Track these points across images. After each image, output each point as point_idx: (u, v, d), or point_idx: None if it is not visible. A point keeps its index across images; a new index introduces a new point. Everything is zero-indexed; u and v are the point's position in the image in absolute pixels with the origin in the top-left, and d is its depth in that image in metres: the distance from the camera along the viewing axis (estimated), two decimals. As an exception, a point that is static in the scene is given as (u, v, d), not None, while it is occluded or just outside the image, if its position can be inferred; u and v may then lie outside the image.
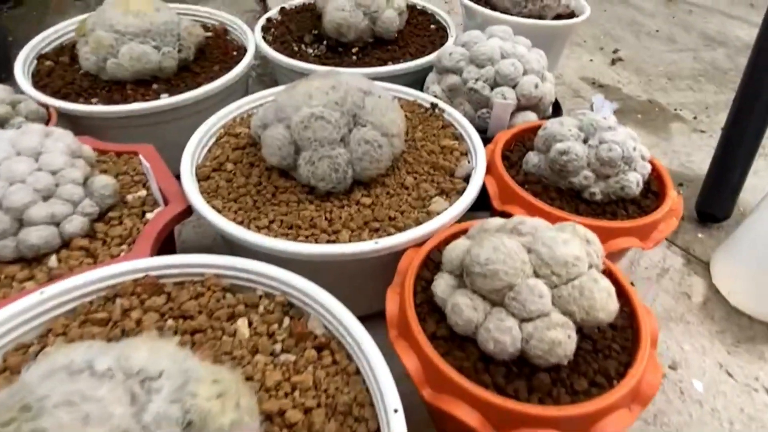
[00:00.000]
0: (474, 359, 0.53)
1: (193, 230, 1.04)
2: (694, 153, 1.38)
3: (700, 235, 1.09)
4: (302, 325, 0.57)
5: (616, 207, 0.76)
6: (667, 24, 2.08)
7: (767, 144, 1.24)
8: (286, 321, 0.59)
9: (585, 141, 0.76)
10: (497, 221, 0.59)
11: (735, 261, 0.95)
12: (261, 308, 0.60)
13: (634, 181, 0.73)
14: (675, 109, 1.55)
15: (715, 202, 1.10)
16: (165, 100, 0.98)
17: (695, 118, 1.52)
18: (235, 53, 1.19)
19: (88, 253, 0.66)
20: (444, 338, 0.55)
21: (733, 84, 1.70)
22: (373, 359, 0.51)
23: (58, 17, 1.73)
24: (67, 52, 1.15)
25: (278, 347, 0.56)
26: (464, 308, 0.52)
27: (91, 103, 1.02)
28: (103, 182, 0.69)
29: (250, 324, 0.58)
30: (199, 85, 1.06)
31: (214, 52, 1.19)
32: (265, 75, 1.53)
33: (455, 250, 0.57)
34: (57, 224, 0.65)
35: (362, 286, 0.77)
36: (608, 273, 0.62)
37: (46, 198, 0.64)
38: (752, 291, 0.91)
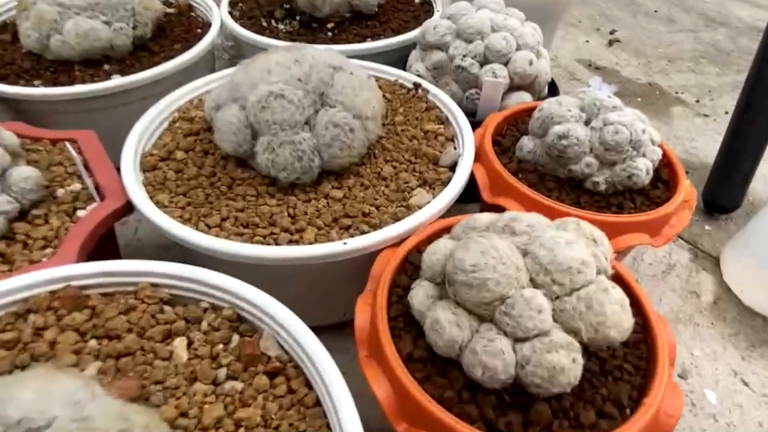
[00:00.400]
0: (458, 387, 0.43)
1: (152, 228, 0.94)
2: (698, 138, 1.29)
3: (707, 228, 1.01)
4: (253, 345, 0.48)
5: (622, 198, 0.66)
6: (665, 4, 1.98)
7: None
8: (235, 339, 0.49)
9: (587, 123, 0.66)
10: (486, 217, 0.50)
11: (747, 256, 0.87)
12: (205, 324, 0.50)
13: (644, 168, 0.64)
14: (676, 93, 1.47)
15: (724, 191, 1.01)
16: (112, 82, 0.87)
17: (698, 101, 1.43)
18: (199, 30, 1.08)
19: (3, 258, 0.56)
20: (422, 360, 0.46)
21: (736, 66, 1.62)
22: (335, 389, 0.42)
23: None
24: (9, 29, 1.03)
25: (222, 373, 0.46)
26: (446, 325, 0.42)
27: (33, 86, 0.91)
28: (24, 174, 0.59)
29: (190, 344, 0.48)
30: (156, 65, 0.95)
31: (176, 29, 1.08)
32: (239, 57, 1.41)
33: (436, 253, 0.47)
34: (-37, 225, 0.54)
35: (332, 291, 0.67)
36: (618, 278, 0.53)
37: (-52, 194, 0.53)
38: (767, 289, 0.83)
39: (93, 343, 0.47)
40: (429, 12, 1.12)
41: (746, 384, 0.75)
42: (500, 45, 0.81)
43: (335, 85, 0.65)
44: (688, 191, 0.68)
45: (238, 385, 0.45)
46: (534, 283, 0.43)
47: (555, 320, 0.42)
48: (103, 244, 0.63)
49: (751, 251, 0.85)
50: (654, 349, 0.47)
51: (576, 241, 0.43)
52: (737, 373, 0.76)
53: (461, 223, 0.51)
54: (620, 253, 0.69)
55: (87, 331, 0.48)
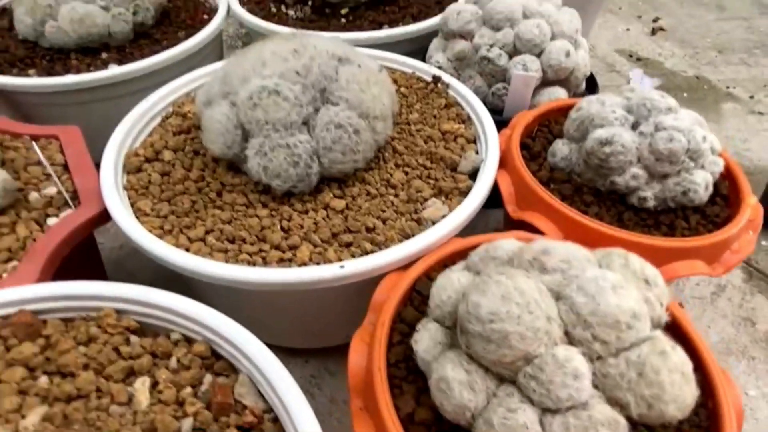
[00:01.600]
0: (469, 461, 0.35)
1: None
2: (752, 139, 1.16)
3: (764, 243, 0.89)
4: (226, 391, 0.40)
5: (674, 217, 0.56)
6: (716, -12, 1.82)
7: None
8: (207, 381, 0.42)
9: (634, 127, 0.56)
10: (510, 246, 0.41)
11: (814, 279, 0.75)
12: (173, 361, 0.43)
13: (702, 183, 0.54)
14: (727, 87, 1.33)
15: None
16: (106, 72, 0.80)
17: (752, 97, 1.30)
18: (206, 17, 1.01)
19: (-41, 272, 0.50)
20: (426, 424, 0.37)
21: (795, 58, 1.47)
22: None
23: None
24: (8, 15, 0.98)
25: (187, 425, 0.39)
26: (455, 387, 0.34)
27: (26, 75, 0.85)
28: (-12, 178, 0.52)
29: (154, 385, 0.41)
30: (157, 54, 0.89)
31: (181, 15, 1.01)
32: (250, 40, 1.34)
33: (447, 288, 0.39)
34: None
35: (331, 314, 0.59)
36: (673, 324, 0.43)
37: None
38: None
39: (43, 380, 0.41)
40: (454, -4, 1.01)
41: (811, 433, 0.64)
42: (532, 34, 0.71)
43: (339, 80, 0.56)
44: (753, 209, 0.57)
45: (206, 441, 0.38)
46: (569, 338, 0.34)
47: (595, 387, 0.33)
48: (79, 254, 0.57)
49: (819, 275, 0.74)
50: (719, 416, 0.38)
51: (624, 285, 0.34)
52: (800, 418, 0.66)
53: (479, 250, 0.43)
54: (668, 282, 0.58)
55: (37, 366, 0.41)
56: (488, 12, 0.74)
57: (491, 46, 0.74)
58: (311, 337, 0.65)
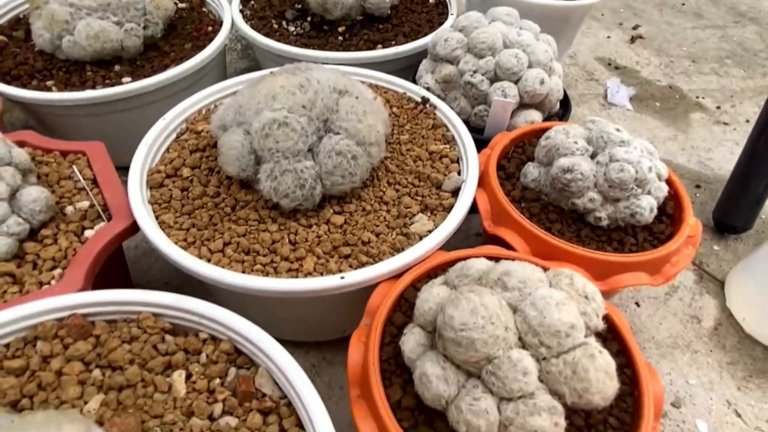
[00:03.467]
0: (444, 438, 0.45)
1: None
2: (715, 149, 1.26)
3: (716, 248, 0.99)
4: (248, 381, 0.49)
5: (623, 234, 0.66)
6: (695, -4, 1.90)
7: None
8: (232, 373, 0.51)
9: (593, 156, 0.65)
10: (480, 265, 0.50)
11: (754, 282, 0.86)
12: (203, 356, 0.52)
13: (647, 207, 0.63)
14: (697, 97, 1.42)
15: (736, 211, 0.99)
16: (123, 87, 0.87)
17: (718, 107, 1.39)
18: (210, 28, 1.07)
19: (14, 279, 0.58)
20: (411, 409, 0.47)
21: (762, 69, 1.56)
22: (324, 434, 0.44)
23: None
24: (23, 25, 1.04)
25: (218, 408, 0.48)
26: (433, 380, 0.43)
27: (45, 86, 0.92)
28: (33, 196, 0.60)
29: (188, 377, 0.50)
30: (166, 66, 0.96)
31: (187, 27, 1.08)
32: (251, 48, 1.40)
33: (429, 301, 0.48)
34: (-24, 247, 0.56)
35: (332, 314, 0.69)
36: (611, 327, 0.53)
37: (-40, 217, 0.55)
38: (770, 318, 0.82)
39: (97, 373, 0.50)
40: (443, 14, 1.09)
41: (739, 415, 0.75)
42: (511, 63, 0.79)
43: (340, 111, 0.65)
44: (692, 227, 0.67)
45: (233, 422, 0.47)
46: (522, 342, 0.43)
47: (540, 380, 0.43)
48: (110, 261, 0.65)
49: (757, 279, 0.85)
50: (640, 403, 0.48)
51: (567, 302, 0.43)
52: (731, 403, 0.77)
53: (456, 267, 0.52)
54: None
55: (91, 361, 0.50)
56: (472, 40, 0.82)
57: (474, 72, 0.82)
58: (312, 332, 0.74)
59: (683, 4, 1.85)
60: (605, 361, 0.42)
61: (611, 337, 0.54)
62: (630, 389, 0.50)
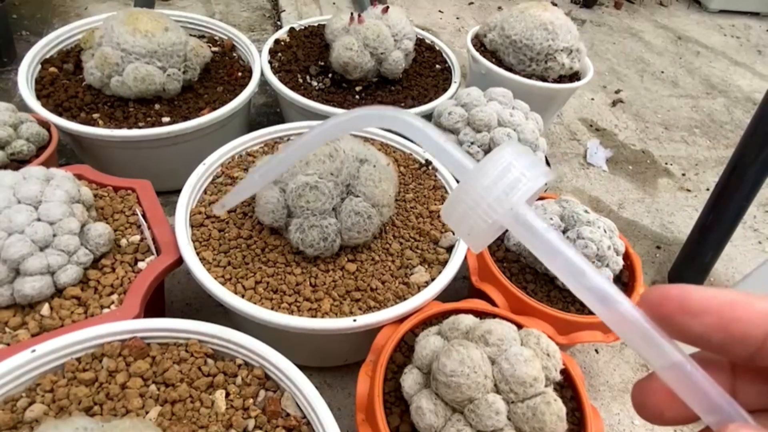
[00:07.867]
0: (431, 459, 0.57)
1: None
2: (676, 213, 1.41)
3: (668, 305, 1.14)
4: (276, 402, 0.61)
5: (585, 297, 0.80)
6: (673, 65, 2.09)
7: (747, 216, 1.28)
8: (262, 394, 0.63)
9: (564, 231, 0.79)
10: (468, 321, 0.63)
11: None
12: (239, 379, 0.64)
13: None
14: (666, 163, 1.58)
15: (689, 272, 1.14)
16: (166, 129, 0.99)
17: (683, 174, 1.55)
18: (240, 74, 1.20)
19: (79, 302, 0.69)
20: (406, 434, 0.60)
21: (725, 140, 1.73)
22: (338, 450, 0.56)
23: None
24: (72, 58, 1.15)
25: (251, 424, 0.60)
26: (426, 413, 0.56)
27: (92, 119, 1.03)
28: (99, 231, 0.72)
29: (227, 395, 0.62)
30: (200, 108, 1.08)
31: (220, 71, 1.20)
32: (268, 85, 1.53)
33: (426, 348, 0.61)
34: (52, 273, 0.67)
35: (340, 348, 0.81)
36: (567, 377, 0.66)
37: (42, 248, 0.67)
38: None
39: (153, 388, 0.61)
40: (447, 80, 1.24)
41: (673, 454, 0.89)
42: (502, 140, 0.94)
43: (360, 177, 0.78)
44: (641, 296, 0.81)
45: (263, 435, 0.59)
46: (497, 388, 0.56)
47: (509, 419, 0.55)
48: (154, 292, 0.76)
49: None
50: (585, 440, 0.61)
51: (533, 359, 0.57)
52: (668, 443, 0.91)
53: (449, 320, 0.65)
54: (579, 340, 0.82)
55: (149, 378, 0.62)
56: (472, 117, 0.97)
57: (472, 143, 0.97)
58: (318, 359, 0.87)
59: (662, 72, 2.04)
60: (558, 407, 0.55)
61: (567, 384, 0.67)
62: (579, 429, 0.63)
